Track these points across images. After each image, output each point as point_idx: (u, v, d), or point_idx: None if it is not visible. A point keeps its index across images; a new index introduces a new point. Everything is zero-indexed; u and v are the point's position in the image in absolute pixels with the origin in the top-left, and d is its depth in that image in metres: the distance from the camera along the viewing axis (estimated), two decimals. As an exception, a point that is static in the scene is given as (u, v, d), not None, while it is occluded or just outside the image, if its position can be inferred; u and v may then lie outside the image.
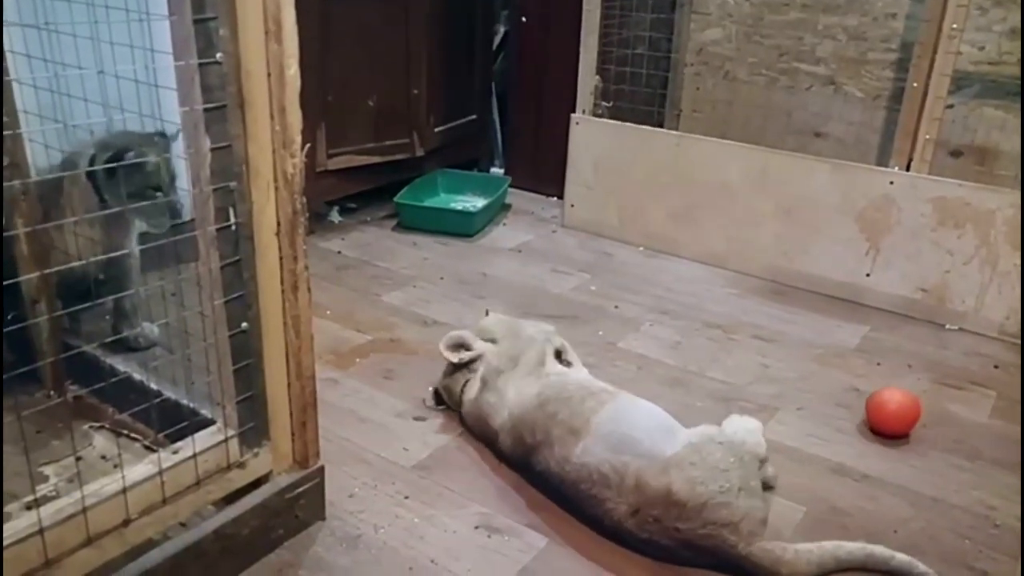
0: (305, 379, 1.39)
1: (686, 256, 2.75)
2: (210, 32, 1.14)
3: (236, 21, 1.15)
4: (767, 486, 1.45)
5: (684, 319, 2.34)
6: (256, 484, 1.38)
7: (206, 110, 1.16)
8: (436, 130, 3.14)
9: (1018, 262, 2.20)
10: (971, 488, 1.65)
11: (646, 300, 2.45)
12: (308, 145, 1.46)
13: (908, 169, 2.32)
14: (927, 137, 2.28)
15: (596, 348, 2.14)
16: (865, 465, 1.71)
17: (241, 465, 1.35)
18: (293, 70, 1.21)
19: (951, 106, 2.39)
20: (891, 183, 2.33)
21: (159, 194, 1.76)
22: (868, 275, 2.42)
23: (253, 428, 1.35)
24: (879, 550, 1.40)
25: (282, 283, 1.31)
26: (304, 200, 1.29)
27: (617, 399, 1.53)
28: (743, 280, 2.61)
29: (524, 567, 1.39)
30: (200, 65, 1.14)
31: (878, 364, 2.11)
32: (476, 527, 1.48)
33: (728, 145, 2.66)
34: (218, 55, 1.15)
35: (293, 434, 1.41)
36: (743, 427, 1.49)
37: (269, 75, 1.20)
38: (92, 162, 1.75)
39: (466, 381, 1.74)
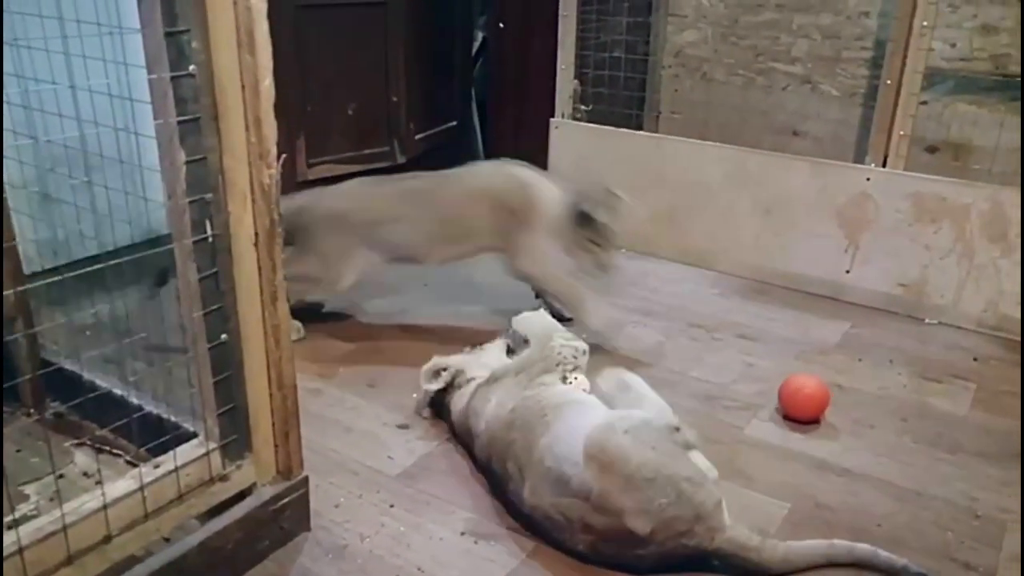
0: (287, 389, 1.38)
1: (668, 257, 2.76)
2: (182, 45, 1.14)
3: (208, 33, 1.14)
4: (690, 448, 1.42)
5: (667, 320, 2.35)
6: (240, 496, 1.37)
7: (180, 122, 1.16)
8: (416, 137, 3.14)
9: (995, 255, 2.22)
10: (953, 480, 1.66)
11: (629, 302, 2.45)
12: (284, 156, 1.47)
13: (884, 166, 2.35)
14: (901, 133, 2.30)
15: (580, 351, 2.15)
16: (848, 460, 1.72)
17: (224, 478, 1.34)
18: (267, 81, 1.21)
19: (925, 103, 2.41)
20: (868, 180, 2.35)
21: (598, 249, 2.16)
22: (848, 272, 2.44)
23: (235, 440, 1.35)
24: (846, 543, 1.40)
25: (261, 294, 1.31)
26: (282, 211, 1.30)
27: (553, 425, 1.46)
28: (725, 280, 2.62)
29: (510, 573, 1.39)
30: (173, 78, 1.14)
31: (859, 360, 2.13)
32: (462, 533, 1.48)
33: (707, 146, 2.67)
34: (191, 67, 1.15)
35: (276, 445, 1.40)
36: (636, 400, 1.50)
37: (243, 87, 1.20)
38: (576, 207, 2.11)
39: (459, 389, 1.74)
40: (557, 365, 1.65)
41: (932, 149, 2.61)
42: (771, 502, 1.59)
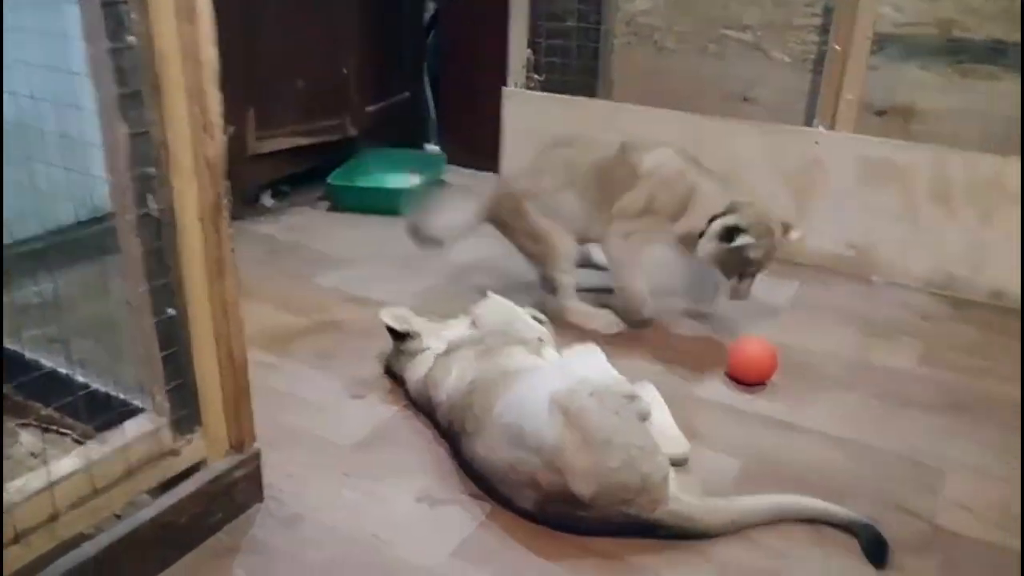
0: (237, 364, 1.37)
1: (623, 224, 2.77)
2: (121, 15, 1.11)
3: (147, 3, 1.12)
4: (645, 418, 1.45)
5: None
6: (192, 471, 1.36)
7: (120, 95, 1.14)
8: (368, 109, 3.11)
9: (941, 216, 2.28)
10: (897, 432, 1.71)
11: (584, 272, 2.45)
12: (232, 128, 1.44)
13: (833, 129, 2.38)
14: (849, 98, 2.34)
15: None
16: (796, 416, 1.76)
17: (175, 452, 1.33)
18: (209, 52, 1.19)
19: (874, 67, 2.45)
20: (816, 143, 2.38)
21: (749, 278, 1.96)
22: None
23: (185, 415, 1.34)
24: (791, 499, 1.44)
25: (207, 268, 1.29)
26: (228, 184, 1.27)
27: (516, 385, 1.48)
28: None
29: (467, 536, 1.40)
30: (112, 49, 1.11)
31: (808, 319, 2.17)
32: (418, 500, 1.49)
33: (660, 113, 2.68)
34: (130, 39, 1.12)
35: (227, 419, 1.39)
36: (596, 368, 1.51)
37: (184, 57, 1.17)
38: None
39: (413, 357, 1.74)
40: (519, 343, 1.65)
41: (881, 113, 2.65)
42: (722, 459, 1.62)
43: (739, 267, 1.92)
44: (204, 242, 1.28)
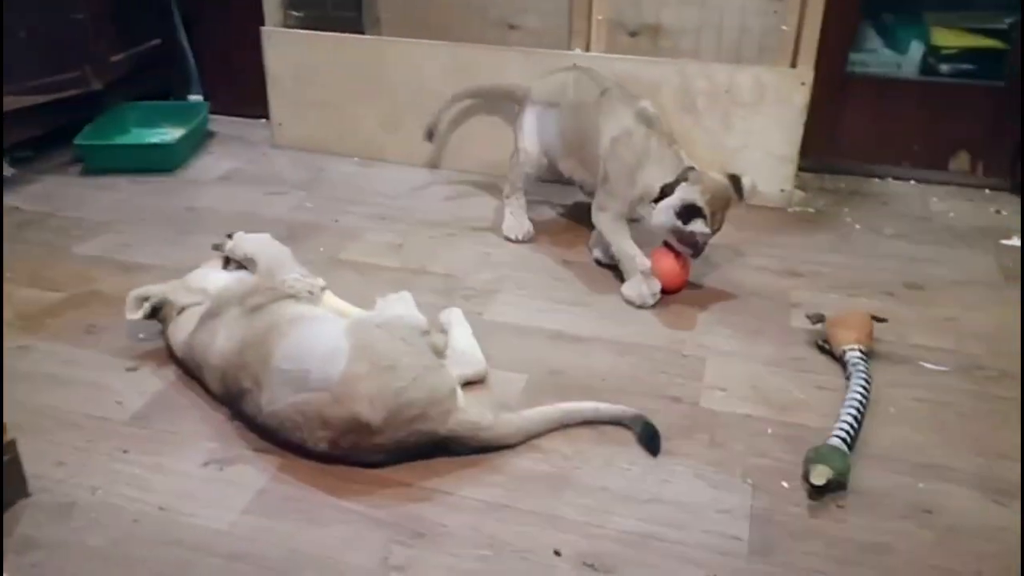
0: (-26, 349, 1.24)
1: (401, 161, 2.76)
2: None
3: None
4: (439, 353, 1.50)
5: (404, 222, 2.37)
6: (-65, 474, 1.23)
7: None
8: (113, 59, 2.84)
9: (688, 124, 2.44)
10: (665, 329, 1.86)
11: (365, 209, 2.44)
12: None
13: (588, 50, 2.47)
14: (599, 18, 2.43)
15: (319, 263, 2.10)
16: (579, 328, 1.86)
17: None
18: None
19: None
20: (574, 64, 2.46)
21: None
22: (568, 155, 2.58)
23: (-84, 414, 1.20)
24: (573, 405, 1.53)
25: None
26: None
27: (291, 333, 1.46)
28: (457, 177, 2.68)
29: (260, 490, 1.38)
30: None
31: (586, 234, 2.28)
32: (206, 464, 1.44)
33: (423, 45, 2.66)
34: None
35: (-29, 411, 1.27)
36: (396, 303, 1.55)
37: None
38: None
39: (171, 320, 1.66)
40: (289, 297, 1.60)
41: (634, 33, 2.78)
42: (510, 376, 1.68)
43: (692, 240, 1.90)
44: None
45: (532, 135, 2.25)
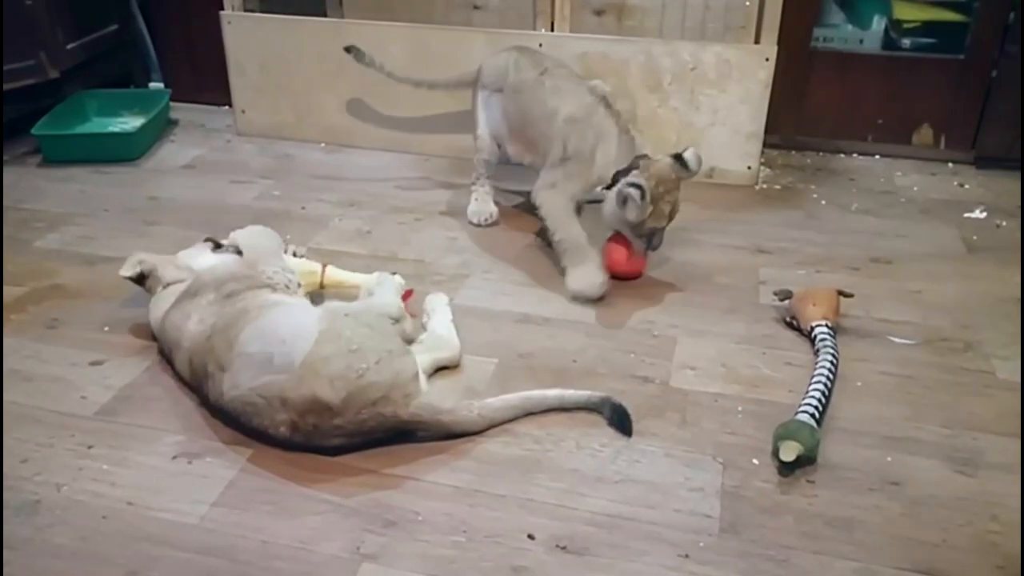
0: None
1: (367, 146, 2.73)
2: None
3: None
4: (409, 341, 1.51)
5: (372, 208, 2.34)
6: None
7: None
8: (69, 47, 2.78)
9: (655, 104, 2.44)
10: (635, 310, 1.86)
11: (332, 196, 2.41)
12: None
13: (553, 30, 2.45)
14: (564, -2, 2.41)
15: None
16: (546, 311, 1.86)
17: None
18: None
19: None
20: (540, 45, 2.44)
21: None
22: (536, 137, 2.57)
23: None
24: (538, 393, 1.52)
25: None
26: None
27: (259, 319, 1.45)
28: (424, 161, 2.66)
29: (230, 482, 1.36)
30: None
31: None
32: (174, 457, 1.42)
33: (387, 27, 2.62)
34: None
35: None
36: (372, 289, 1.55)
37: None
38: None
39: (152, 294, 1.67)
40: (264, 287, 1.60)
41: (599, 12, 2.76)
42: (480, 360, 1.68)
43: (644, 229, 1.85)
44: None
45: (483, 121, 2.21)
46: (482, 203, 2.26)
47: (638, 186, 1.76)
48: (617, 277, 1.94)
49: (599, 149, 1.89)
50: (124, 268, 1.69)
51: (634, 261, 1.94)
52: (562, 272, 1.93)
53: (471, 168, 2.30)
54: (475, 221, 2.24)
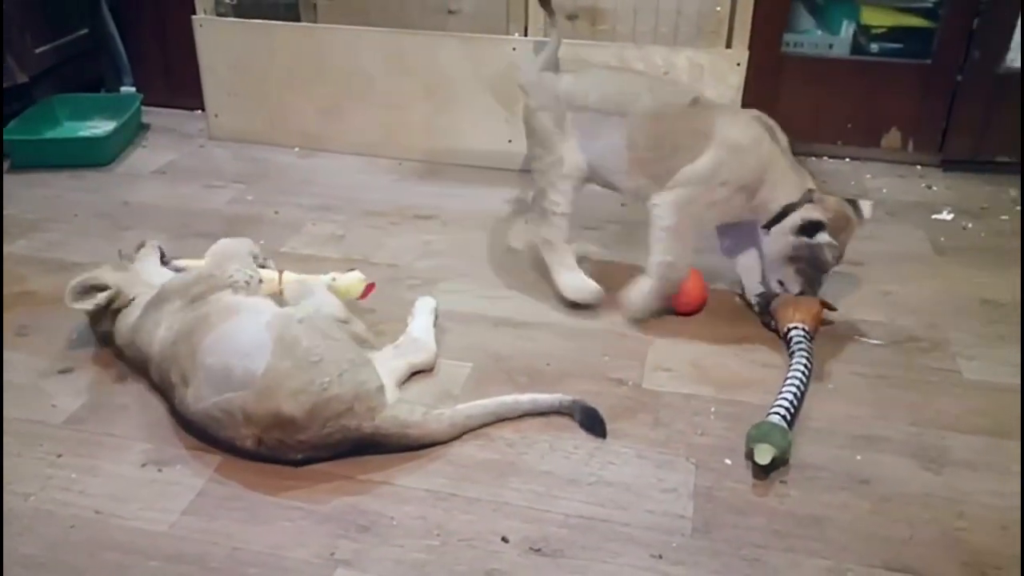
0: None
1: (341, 150, 2.73)
2: None
3: None
4: (362, 342, 1.50)
5: (346, 212, 2.34)
6: None
7: None
8: (38, 51, 2.75)
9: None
10: (608, 312, 1.86)
11: (306, 200, 2.41)
12: None
13: (526, 34, 2.46)
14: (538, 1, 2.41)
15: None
16: (523, 314, 1.86)
17: None
18: None
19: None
20: (514, 49, 2.46)
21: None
22: (510, 141, 2.57)
23: None
24: (509, 398, 1.51)
25: None
26: None
27: (219, 325, 1.43)
28: (399, 165, 2.65)
29: (200, 490, 1.35)
30: None
31: (525, 222, 2.27)
32: (143, 465, 1.41)
33: (362, 32, 2.62)
34: None
35: None
36: (314, 294, 1.56)
37: None
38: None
39: (122, 311, 1.62)
40: (227, 288, 1.58)
41: (572, 16, 2.78)
42: (455, 364, 1.68)
43: (810, 266, 1.76)
44: None
45: (576, 147, 1.83)
46: (579, 276, 1.88)
47: (820, 224, 1.70)
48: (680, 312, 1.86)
49: (765, 182, 1.74)
50: (76, 300, 1.60)
51: (701, 290, 1.87)
52: (643, 286, 1.81)
53: (441, 172, 2.29)
54: (585, 300, 1.87)
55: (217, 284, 1.57)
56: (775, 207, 1.75)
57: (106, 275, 1.63)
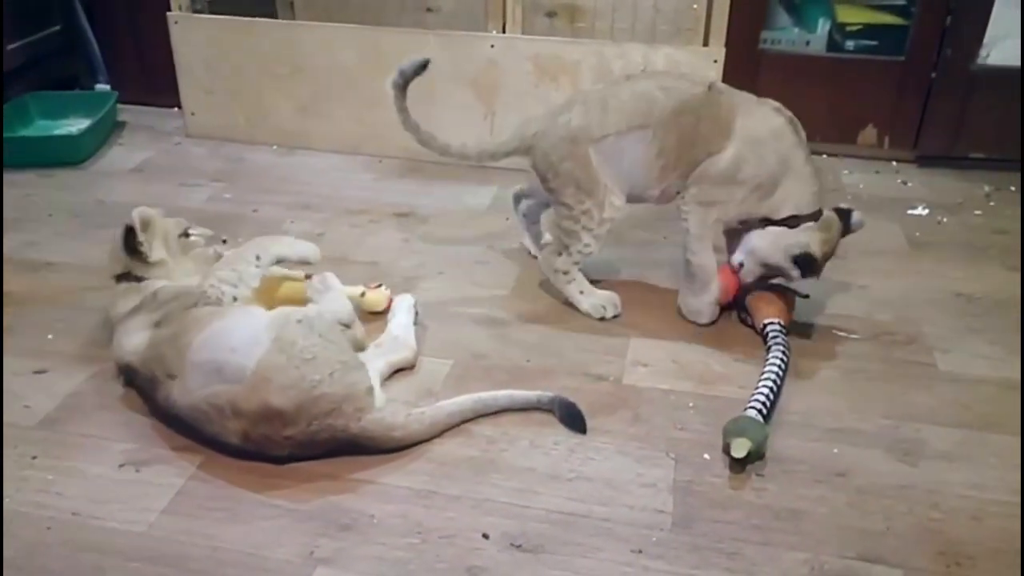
0: None
1: (320, 148, 2.71)
2: None
3: None
4: (360, 348, 1.51)
5: (325, 211, 2.33)
6: None
7: None
8: (9, 48, 2.71)
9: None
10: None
11: (285, 199, 2.39)
12: None
13: (504, 32, 2.46)
14: (515, -1, 2.42)
15: (237, 256, 2.06)
16: (503, 311, 1.87)
17: None
18: None
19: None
20: (492, 47, 2.45)
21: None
22: (490, 137, 2.57)
23: None
24: (488, 395, 1.52)
25: None
26: None
27: (212, 324, 1.42)
28: (378, 163, 2.65)
29: (179, 490, 1.35)
30: None
31: (507, 219, 2.28)
32: (121, 466, 1.40)
33: (340, 29, 2.61)
34: None
35: None
36: (323, 294, 1.55)
37: None
38: None
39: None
40: (204, 302, 1.53)
41: (551, 14, 2.78)
42: (435, 362, 1.68)
43: (778, 277, 1.78)
44: None
45: (610, 177, 1.76)
46: (597, 295, 1.87)
47: (812, 257, 1.70)
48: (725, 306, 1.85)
49: (782, 183, 1.71)
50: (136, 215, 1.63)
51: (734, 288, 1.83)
52: (684, 291, 1.85)
53: (421, 169, 2.28)
54: (613, 312, 1.86)
55: (186, 303, 1.51)
56: (786, 210, 1.72)
57: (156, 241, 1.65)
